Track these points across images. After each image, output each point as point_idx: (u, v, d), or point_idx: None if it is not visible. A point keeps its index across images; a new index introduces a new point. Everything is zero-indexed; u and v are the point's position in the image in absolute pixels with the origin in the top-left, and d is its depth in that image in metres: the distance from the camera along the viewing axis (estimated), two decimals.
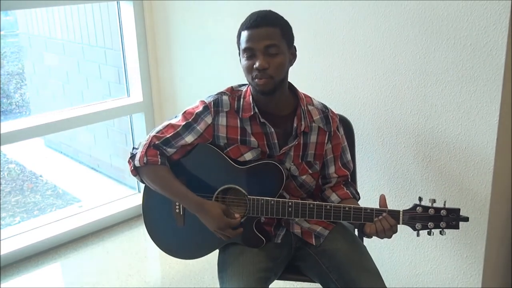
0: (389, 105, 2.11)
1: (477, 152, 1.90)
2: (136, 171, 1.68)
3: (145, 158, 1.64)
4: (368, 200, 2.24)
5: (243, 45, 1.56)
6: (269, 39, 1.53)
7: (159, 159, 1.64)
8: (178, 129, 1.66)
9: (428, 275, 2.18)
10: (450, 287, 2.11)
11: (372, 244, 2.11)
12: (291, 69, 1.65)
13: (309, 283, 1.83)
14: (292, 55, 1.63)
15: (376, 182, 2.24)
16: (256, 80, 1.55)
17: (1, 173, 4.28)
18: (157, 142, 1.66)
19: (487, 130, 1.85)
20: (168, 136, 1.66)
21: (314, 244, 1.73)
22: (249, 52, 1.55)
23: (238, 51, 1.62)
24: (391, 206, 1.57)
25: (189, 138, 1.66)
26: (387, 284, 1.61)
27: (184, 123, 1.66)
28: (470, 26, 1.80)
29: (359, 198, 1.80)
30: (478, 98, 1.84)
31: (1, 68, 4.70)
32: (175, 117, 1.71)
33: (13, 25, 4.79)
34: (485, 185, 1.91)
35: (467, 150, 1.93)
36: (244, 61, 1.57)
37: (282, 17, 1.60)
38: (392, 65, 2.05)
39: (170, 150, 1.67)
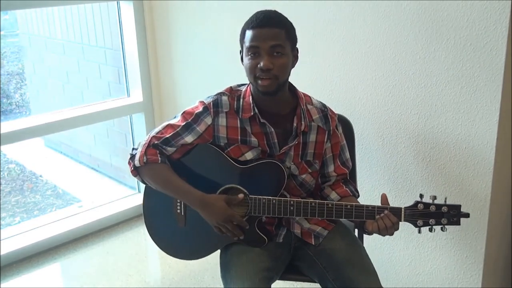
0: (389, 105, 2.11)
1: (477, 152, 1.90)
2: (136, 171, 1.68)
3: (144, 158, 1.64)
4: (368, 200, 2.24)
5: (248, 43, 1.55)
6: (275, 39, 1.53)
7: (159, 158, 1.64)
8: (178, 129, 1.65)
9: (428, 275, 2.18)
10: (450, 287, 2.11)
11: (372, 244, 2.11)
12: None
13: (309, 283, 1.84)
14: (294, 57, 1.62)
15: (376, 182, 2.24)
16: (259, 81, 1.55)
17: (1, 173, 4.28)
18: (156, 142, 1.66)
19: (487, 130, 1.85)
20: (167, 136, 1.65)
21: (313, 243, 1.73)
22: (254, 51, 1.54)
23: (240, 49, 1.61)
24: (391, 205, 1.57)
25: (189, 138, 1.65)
26: (387, 284, 1.62)
27: (184, 123, 1.65)
28: (470, 26, 1.80)
29: (359, 196, 1.80)
30: (478, 98, 1.84)
31: (1, 68, 4.71)
32: (174, 117, 1.70)
33: (13, 25, 4.79)
34: (485, 185, 1.91)
35: (467, 150, 1.93)
36: (247, 60, 1.56)
37: (287, 19, 1.60)
38: (392, 65, 2.05)
39: (170, 149, 1.67)
